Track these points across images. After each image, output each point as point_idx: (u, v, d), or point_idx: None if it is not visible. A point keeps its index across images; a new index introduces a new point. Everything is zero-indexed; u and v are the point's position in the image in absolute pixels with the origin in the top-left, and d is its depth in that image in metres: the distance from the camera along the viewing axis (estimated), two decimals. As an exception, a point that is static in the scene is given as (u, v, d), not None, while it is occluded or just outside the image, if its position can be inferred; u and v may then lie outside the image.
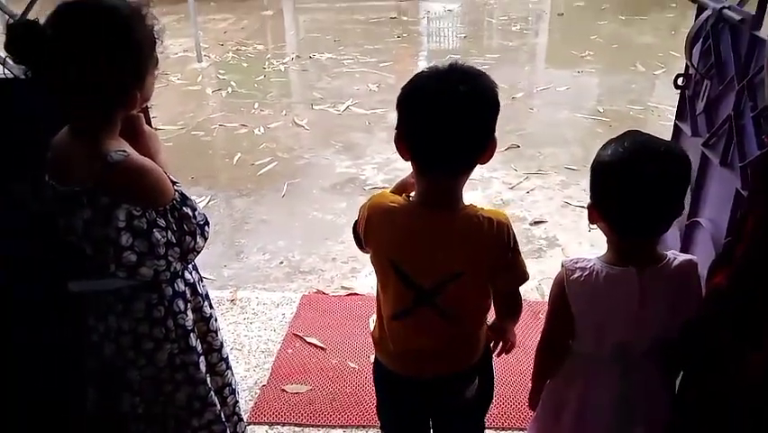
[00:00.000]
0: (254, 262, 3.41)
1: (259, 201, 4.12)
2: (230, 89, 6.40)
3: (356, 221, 1.44)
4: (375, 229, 1.36)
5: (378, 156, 4.66)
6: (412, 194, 1.36)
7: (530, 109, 5.77)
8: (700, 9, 2.06)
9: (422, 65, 7.50)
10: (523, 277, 1.39)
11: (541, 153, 4.70)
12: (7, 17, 1.65)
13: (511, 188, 4.18)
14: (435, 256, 1.31)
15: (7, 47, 1.19)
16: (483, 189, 4.14)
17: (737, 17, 1.78)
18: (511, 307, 1.45)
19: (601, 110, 5.62)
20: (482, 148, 1.26)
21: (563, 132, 5.20)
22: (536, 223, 3.75)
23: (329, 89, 6.36)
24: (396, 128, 1.28)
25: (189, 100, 6.09)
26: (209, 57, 7.49)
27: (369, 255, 1.44)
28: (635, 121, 5.37)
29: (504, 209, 3.88)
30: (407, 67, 7.07)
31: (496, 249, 1.32)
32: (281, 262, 3.39)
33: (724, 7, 1.88)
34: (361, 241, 1.43)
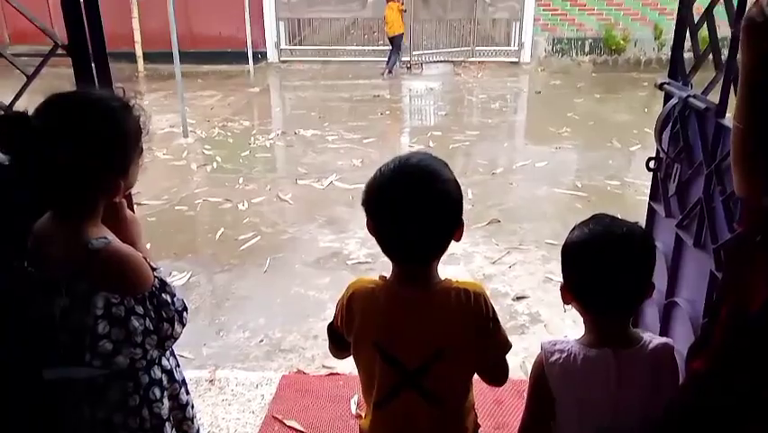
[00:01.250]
0: (234, 340, 3.36)
1: (241, 277, 4.10)
2: (215, 164, 6.48)
3: (330, 323, 1.45)
4: (357, 313, 1.37)
5: (361, 231, 4.69)
6: (388, 275, 1.38)
7: (510, 184, 5.89)
8: (668, 96, 2.15)
9: (404, 141, 7.69)
10: (506, 345, 1.39)
11: (522, 228, 4.77)
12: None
13: (493, 263, 4.21)
14: (417, 334, 1.32)
15: None
16: (465, 264, 4.16)
17: (702, 106, 1.87)
18: (497, 376, 1.44)
19: (580, 185, 5.75)
20: (448, 237, 1.30)
21: (543, 207, 5.29)
22: (519, 298, 3.76)
23: (313, 164, 6.46)
24: (366, 215, 1.31)
25: (174, 175, 6.14)
26: (195, 132, 7.62)
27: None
28: (613, 196, 5.50)
29: (486, 284, 3.89)
30: (390, 143, 7.24)
31: (476, 321, 1.33)
32: (261, 340, 3.33)
33: (689, 96, 1.97)
34: (339, 340, 1.43)
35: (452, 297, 1.31)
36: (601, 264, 1.31)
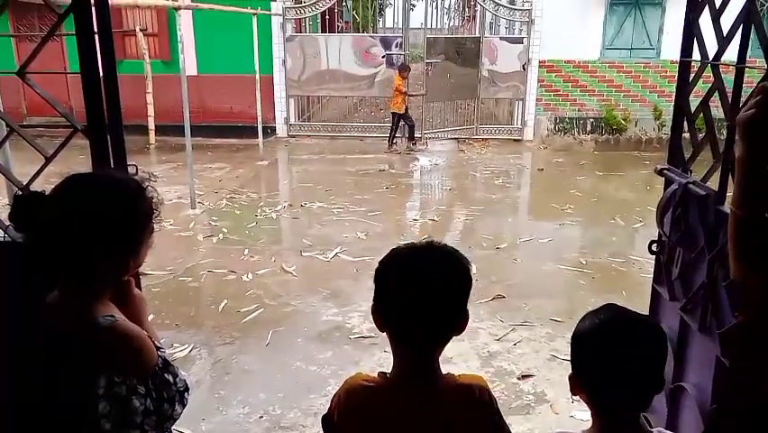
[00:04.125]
0: (234, 415, 3.29)
1: (242, 350, 4.05)
2: (221, 236, 6.53)
3: (325, 414, 1.41)
4: (354, 416, 1.33)
5: (364, 304, 4.67)
6: (388, 371, 1.36)
7: (514, 260, 5.90)
8: (668, 181, 2.20)
9: (409, 215, 7.76)
10: None
11: (526, 304, 4.74)
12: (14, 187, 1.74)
13: (498, 340, 4.16)
14: None
15: (11, 217, 1.24)
16: (470, 340, 4.11)
17: (702, 192, 1.91)
18: None
19: (584, 262, 5.75)
20: (455, 326, 1.30)
21: (547, 283, 5.28)
22: (524, 377, 3.70)
23: (318, 237, 6.50)
24: (373, 299, 1.31)
25: (180, 246, 6.18)
26: (203, 204, 7.72)
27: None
28: (617, 273, 5.48)
29: (491, 362, 3.84)
30: (395, 217, 7.30)
31: (482, 416, 1.30)
32: (261, 417, 3.27)
33: (689, 182, 2.01)
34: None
35: (457, 395, 1.30)
36: (613, 357, 1.26)
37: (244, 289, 5.09)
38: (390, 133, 11.55)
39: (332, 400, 1.40)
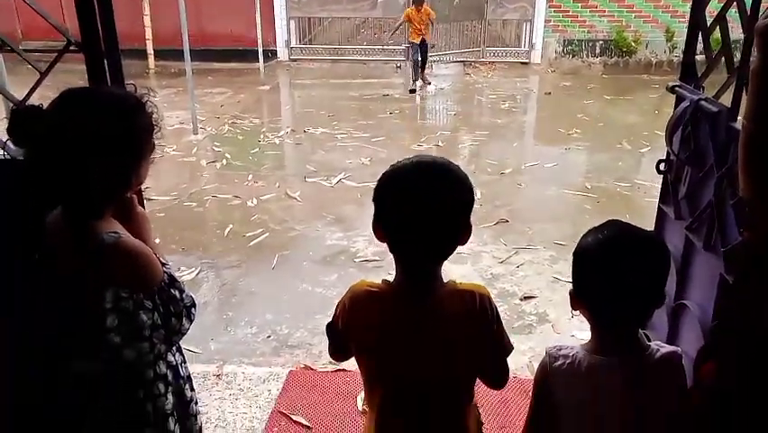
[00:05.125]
0: (241, 335, 3.38)
1: (248, 273, 4.11)
2: (224, 161, 6.50)
3: (330, 322, 1.43)
4: (358, 319, 1.35)
5: (368, 229, 4.61)
6: (390, 277, 1.37)
7: (519, 185, 5.88)
8: (679, 98, 2.15)
9: (413, 140, 7.68)
10: (509, 348, 1.39)
11: (530, 228, 4.76)
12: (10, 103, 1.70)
13: (501, 263, 4.21)
14: (422, 337, 1.31)
15: (9, 131, 1.22)
16: (473, 264, 4.16)
17: (714, 109, 1.86)
18: (499, 379, 1.44)
19: (589, 186, 5.73)
20: (455, 239, 1.28)
21: (552, 207, 5.28)
22: (526, 298, 3.75)
23: (322, 163, 6.47)
24: (374, 214, 1.30)
25: (183, 171, 6.17)
26: (205, 129, 7.64)
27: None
28: (622, 198, 5.47)
29: (493, 284, 3.89)
30: (399, 142, 7.24)
31: (481, 323, 1.32)
32: (269, 336, 3.35)
33: (701, 99, 1.96)
34: (339, 341, 1.42)
35: (457, 299, 1.31)
36: (616, 271, 1.26)
37: (249, 214, 5.11)
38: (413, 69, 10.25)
39: (336, 308, 1.42)
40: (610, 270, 1.27)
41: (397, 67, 11.23)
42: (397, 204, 1.25)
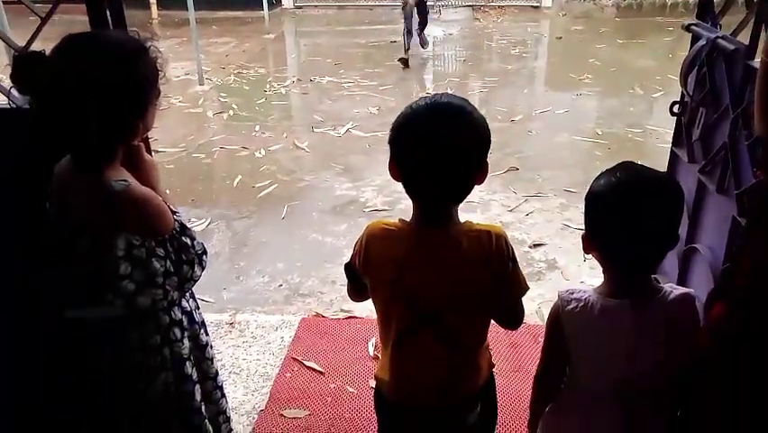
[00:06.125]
0: (253, 284, 3.42)
1: (258, 224, 4.13)
2: (231, 112, 6.45)
3: (348, 262, 1.44)
4: (375, 254, 1.37)
5: (378, 178, 4.68)
6: (408, 217, 1.38)
7: (529, 132, 5.81)
8: (695, 38, 2.08)
9: (422, 88, 7.57)
10: (524, 287, 1.39)
11: (540, 176, 4.72)
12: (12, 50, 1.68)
13: (510, 211, 4.19)
14: (437, 274, 1.32)
15: (13, 77, 1.21)
16: (482, 212, 4.15)
17: (731, 47, 1.81)
18: (514, 319, 1.45)
19: (600, 133, 5.65)
20: (472, 180, 1.29)
21: (562, 155, 5.22)
22: (536, 246, 3.75)
23: (329, 112, 6.41)
24: (390, 155, 1.30)
25: (190, 123, 6.13)
26: (211, 80, 7.56)
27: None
28: (633, 144, 5.40)
29: (503, 232, 3.89)
30: (407, 90, 7.13)
31: (497, 261, 1.32)
32: (280, 285, 3.39)
33: (718, 37, 1.90)
34: (356, 280, 1.43)
35: (473, 238, 1.31)
36: (632, 213, 1.24)
37: (258, 165, 5.10)
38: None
39: (354, 247, 1.42)
40: (625, 212, 1.25)
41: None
42: (412, 145, 1.25)
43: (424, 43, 8.65)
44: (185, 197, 4.47)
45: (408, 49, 8.10)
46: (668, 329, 1.32)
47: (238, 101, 6.76)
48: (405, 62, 7.97)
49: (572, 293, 1.37)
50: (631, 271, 1.33)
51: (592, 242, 1.33)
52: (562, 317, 1.36)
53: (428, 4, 8.70)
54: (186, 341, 1.47)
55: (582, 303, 1.34)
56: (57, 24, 1.75)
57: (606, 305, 1.33)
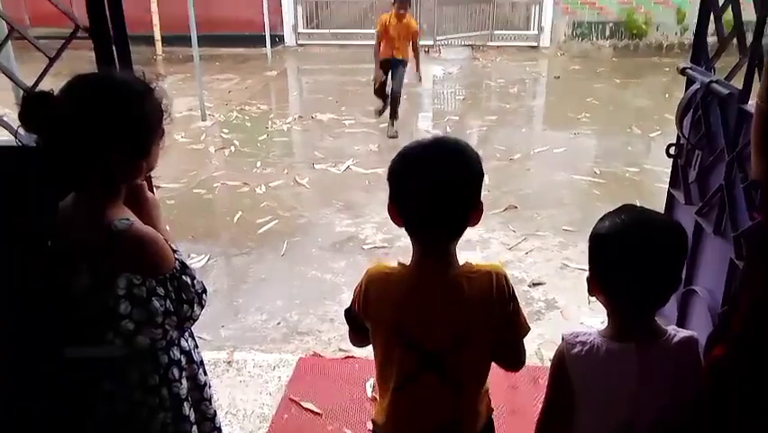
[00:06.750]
0: (252, 322, 3.40)
1: (258, 260, 4.13)
2: (233, 148, 6.51)
3: (348, 307, 1.45)
4: (374, 297, 1.37)
5: (377, 215, 4.70)
6: (407, 261, 1.38)
7: (527, 170, 5.85)
8: (690, 81, 2.12)
9: (422, 126, 7.66)
10: (525, 328, 1.39)
11: (539, 214, 4.74)
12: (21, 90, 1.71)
13: (509, 249, 4.20)
14: (438, 317, 1.32)
15: (21, 116, 1.23)
16: (482, 250, 4.15)
17: (725, 91, 1.84)
18: (515, 360, 1.44)
19: (598, 172, 5.70)
20: (468, 217, 1.31)
21: (561, 193, 5.26)
22: (535, 285, 3.75)
23: (330, 149, 6.46)
24: (389, 197, 1.32)
25: (192, 158, 6.18)
26: (213, 116, 7.64)
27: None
28: (631, 183, 5.44)
29: (502, 270, 3.88)
30: (408, 128, 7.20)
31: (498, 302, 1.33)
32: (279, 323, 3.37)
33: (712, 81, 1.94)
34: (357, 325, 1.44)
35: (474, 279, 1.32)
36: (638, 256, 1.25)
37: (258, 201, 5.12)
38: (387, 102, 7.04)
39: (354, 292, 1.43)
40: (631, 255, 1.26)
41: None
42: (413, 180, 1.28)
43: (393, 121, 6.94)
44: (185, 232, 4.47)
45: (396, 118, 6.88)
46: (672, 372, 1.32)
47: (240, 137, 6.83)
48: (379, 113, 7.10)
49: (577, 336, 1.36)
50: (636, 314, 1.33)
51: (598, 284, 1.33)
52: (568, 361, 1.35)
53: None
54: (184, 381, 1.46)
55: (588, 346, 1.34)
56: (64, 59, 1.79)
57: (611, 348, 1.32)
